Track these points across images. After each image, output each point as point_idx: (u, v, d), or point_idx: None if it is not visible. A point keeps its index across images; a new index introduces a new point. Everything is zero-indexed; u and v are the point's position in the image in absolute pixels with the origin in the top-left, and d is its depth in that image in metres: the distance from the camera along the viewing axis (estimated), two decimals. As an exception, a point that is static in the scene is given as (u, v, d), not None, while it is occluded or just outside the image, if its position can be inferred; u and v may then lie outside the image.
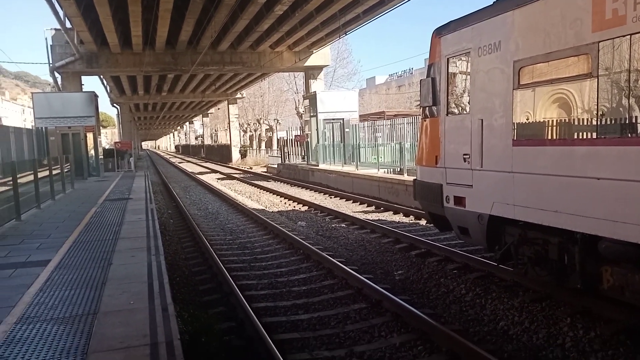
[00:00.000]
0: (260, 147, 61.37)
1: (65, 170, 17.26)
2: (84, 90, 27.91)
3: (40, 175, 12.90)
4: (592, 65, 5.08)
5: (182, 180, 31.49)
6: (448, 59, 7.34)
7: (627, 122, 4.96)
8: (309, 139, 28.38)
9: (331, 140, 26.73)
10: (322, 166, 25.45)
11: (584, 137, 5.32)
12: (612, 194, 4.91)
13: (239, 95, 52.71)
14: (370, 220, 12.55)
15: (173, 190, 22.93)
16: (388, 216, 13.82)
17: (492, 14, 6.40)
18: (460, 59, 7.19)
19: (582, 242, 5.54)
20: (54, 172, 15.08)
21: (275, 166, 33.66)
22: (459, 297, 7.05)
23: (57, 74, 27.67)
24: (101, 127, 33.36)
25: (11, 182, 10.36)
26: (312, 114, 27.93)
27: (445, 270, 8.20)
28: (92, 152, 25.34)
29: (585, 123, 5.38)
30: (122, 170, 28.84)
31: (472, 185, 6.88)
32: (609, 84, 5.10)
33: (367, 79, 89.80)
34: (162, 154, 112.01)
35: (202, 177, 31.19)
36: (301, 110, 38.75)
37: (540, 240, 6.15)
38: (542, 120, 5.93)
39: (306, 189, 21.86)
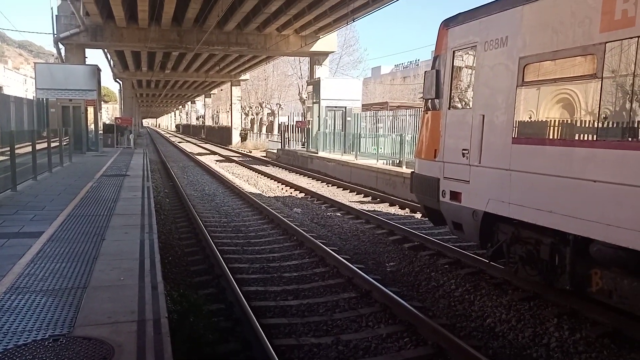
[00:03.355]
0: (260, 131, 61.17)
1: (64, 143, 17.21)
2: (87, 63, 27.73)
3: (38, 147, 12.86)
4: (597, 67, 5.03)
5: (181, 160, 31.43)
6: (454, 51, 7.28)
7: (628, 126, 4.92)
8: (310, 126, 28.27)
9: (332, 128, 26.61)
10: (321, 154, 25.39)
11: (584, 138, 5.29)
12: (608, 197, 4.89)
13: (242, 77, 52.38)
14: (366, 211, 12.55)
15: (171, 169, 22.90)
16: (384, 207, 13.82)
17: (501, 8, 6.33)
18: (467, 53, 7.13)
19: (574, 243, 5.55)
20: (53, 144, 15.05)
21: (275, 151, 33.57)
22: (448, 292, 7.07)
23: (61, 45, 27.43)
24: (102, 102, 33.16)
25: (9, 152, 10.32)
26: (314, 100, 27.78)
27: (437, 264, 8.22)
28: (92, 126, 25.25)
29: (586, 125, 5.35)
30: (121, 147, 28.75)
31: (469, 181, 6.87)
32: (613, 87, 5.06)
33: (372, 68, 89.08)
34: (163, 132, 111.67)
35: (201, 158, 31.13)
36: (304, 96, 38.54)
37: (532, 240, 6.16)
38: (543, 120, 5.89)
39: (304, 175, 21.83)
